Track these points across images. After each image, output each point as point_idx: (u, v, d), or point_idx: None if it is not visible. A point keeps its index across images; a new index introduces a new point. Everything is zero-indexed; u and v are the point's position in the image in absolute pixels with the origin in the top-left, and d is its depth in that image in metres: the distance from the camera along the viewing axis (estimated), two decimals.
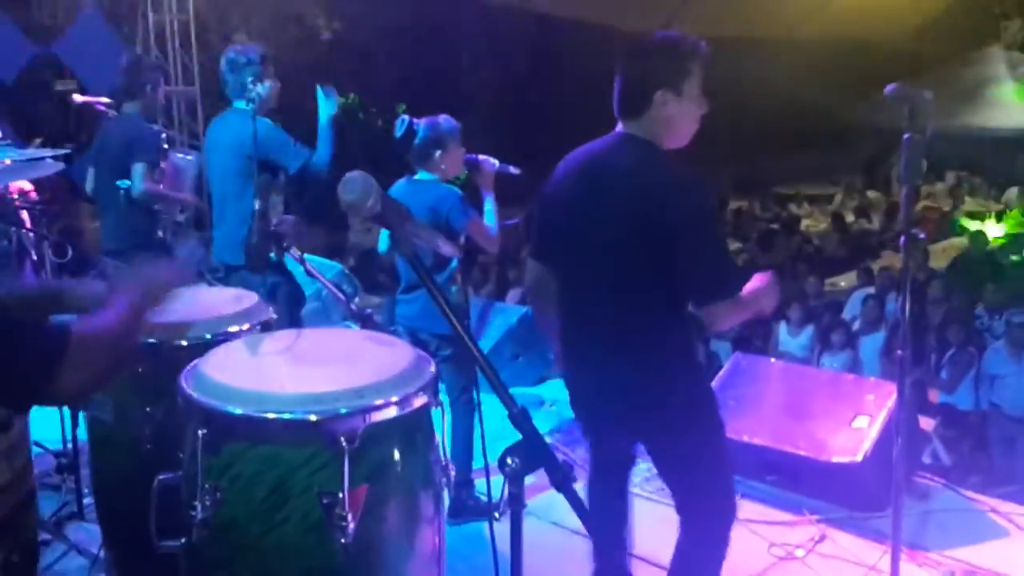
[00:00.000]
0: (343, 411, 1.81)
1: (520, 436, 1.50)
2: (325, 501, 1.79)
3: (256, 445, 1.83)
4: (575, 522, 1.57)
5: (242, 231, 3.91)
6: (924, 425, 5.82)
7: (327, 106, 3.95)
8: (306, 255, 2.72)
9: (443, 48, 14.19)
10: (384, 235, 3.84)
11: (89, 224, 5.41)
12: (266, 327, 2.42)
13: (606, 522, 2.71)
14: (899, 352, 2.72)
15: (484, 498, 3.60)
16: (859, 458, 3.60)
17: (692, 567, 2.59)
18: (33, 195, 3.80)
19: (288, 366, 2.01)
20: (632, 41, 2.48)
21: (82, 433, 3.16)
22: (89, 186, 4.75)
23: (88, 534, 3.20)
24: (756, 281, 2.46)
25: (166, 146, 4.64)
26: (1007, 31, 15.98)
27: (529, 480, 1.52)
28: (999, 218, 13.96)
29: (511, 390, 1.54)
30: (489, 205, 3.60)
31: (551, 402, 4.95)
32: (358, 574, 1.85)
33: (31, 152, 3.26)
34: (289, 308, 3.94)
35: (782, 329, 8.18)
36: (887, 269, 9.39)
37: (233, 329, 2.33)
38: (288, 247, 2.75)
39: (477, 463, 3.62)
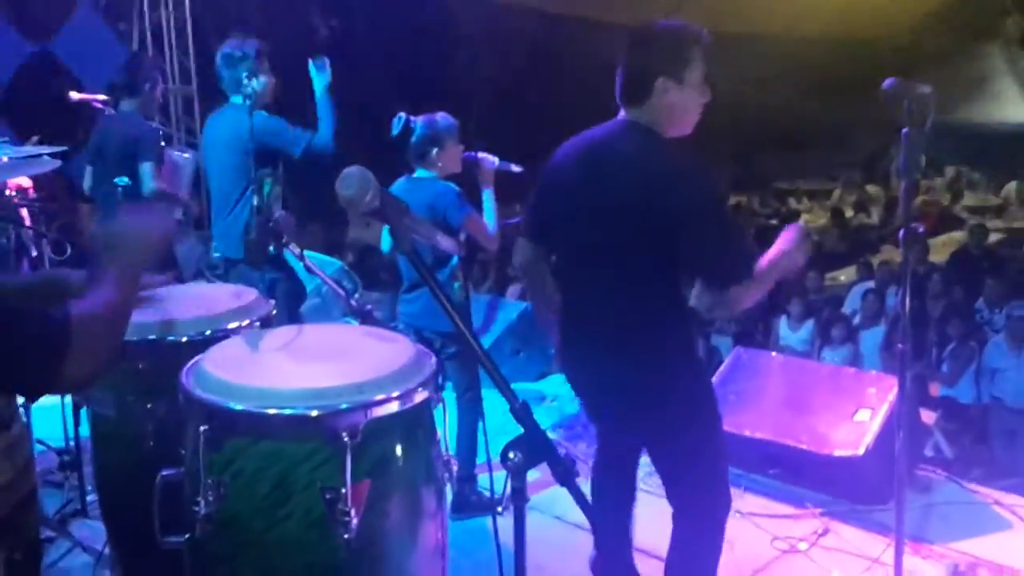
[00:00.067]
0: (344, 406, 1.80)
1: (522, 431, 1.50)
2: (328, 496, 1.79)
3: (258, 441, 1.82)
4: (578, 516, 1.57)
5: (241, 226, 3.91)
6: (926, 418, 5.83)
7: (320, 79, 3.94)
8: (305, 251, 2.71)
9: (442, 46, 14.18)
10: (386, 235, 3.84)
11: (88, 222, 5.40)
12: (266, 323, 2.42)
13: (608, 513, 2.71)
14: (900, 346, 2.72)
15: (487, 493, 3.60)
16: (861, 451, 3.60)
17: (689, 562, 2.58)
18: (31, 193, 3.79)
19: (289, 362, 2.00)
20: (634, 28, 2.48)
21: (84, 430, 3.15)
22: (86, 184, 4.74)
23: (92, 531, 3.20)
24: (780, 241, 2.42)
25: (163, 143, 4.64)
26: (1007, 26, 15.99)
27: (532, 475, 1.51)
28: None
29: (512, 386, 1.54)
30: (488, 203, 3.59)
31: (552, 397, 4.95)
32: (361, 569, 1.85)
33: (28, 149, 3.25)
34: (288, 304, 3.93)
35: (782, 323, 8.18)
36: (887, 263, 9.39)
37: (233, 325, 2.33)
38: (287, 243, 2.74)
39: (480, 458, 3.62)
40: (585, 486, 2.65)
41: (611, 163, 2.40)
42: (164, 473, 1.97)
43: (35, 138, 4.51)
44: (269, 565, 1.84)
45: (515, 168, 3.67)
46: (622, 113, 2.46)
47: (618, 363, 2.44)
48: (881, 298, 8.14)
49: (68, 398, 3.37)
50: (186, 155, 4.82)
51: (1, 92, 8.15)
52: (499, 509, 2.99)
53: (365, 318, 2.35)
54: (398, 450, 1.90)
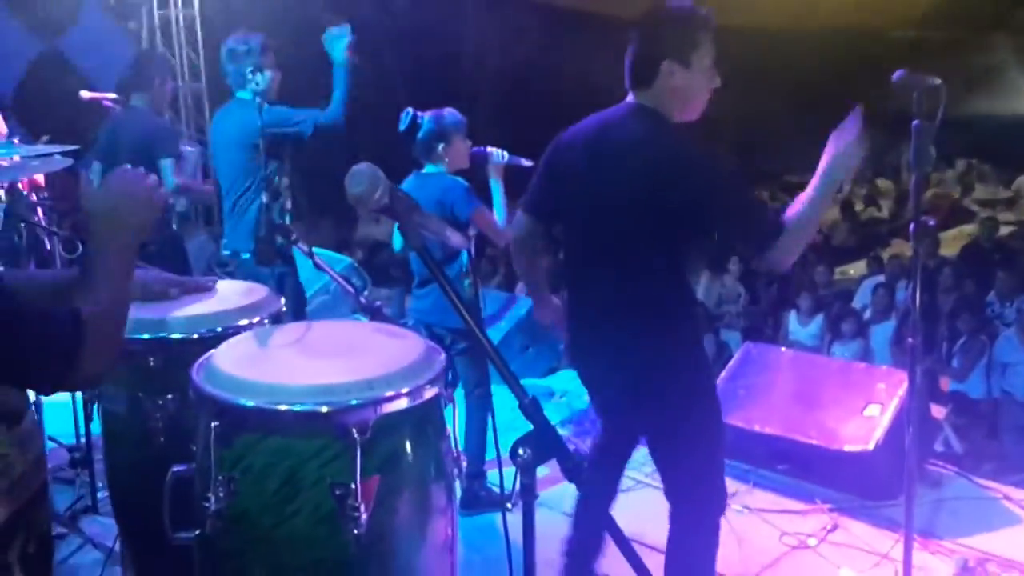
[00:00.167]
0: (354, 402, 1.81)
1: (532, 427, 1.50)
2: (337, 492, 1.79)
3: (267, 436, 1.83)
4: None
5: (250, 222, 3.93)
6: (936, 413, 5.79)
7: (339, 46, 3.89)
8: (315, 248, 2.72)
9: (451, 41, 14.16)
10: (397, 234, 3.85)
11: None
12: (276, 319, 2.43)
13: (592, 498, 2.70)
14: (910, 340, 2.71)
15: (496, 489, 3.61)
16: (871, 446, 3.59)
17: (687, 555, 2.58)
18: (44, 191, 3.81)
19: (299, 358, 2.01)
20: (644, 11, 2.47)
21: (95, 427, 3.17)
22: (96, 181, 4.76)
23: (103, 527, 3.22)
24: (830, 147, 2.31)
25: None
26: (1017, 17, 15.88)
27: (541, 471, 1.52)
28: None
29: (520, 382, 1.54)
30: (498, 198, 3.60)
31: (561, 393, 4.96)
32: (370, 565, 1.85)
33: (39, 148, 3.27)
34: (296, 298, 3.95)
35: (792, 318, 8.17)
36: (897, 257, 9.35)
37: (243, 322, 2.34)
38: (296, 239, 2.75)
39: (489, 455, 3.62)
40: None
41: (617, 147, 2.40)
42: (175, 469, 1.98)
43: (46, 137, 4.53)
44: (279, 561, 1.84)
45: (525, 163, 3.67)
46: (630, 96, 2.46)
47: (621, 348, 2.45)
48: (891, 292, 8.11)
49: (79, 395, 3.40)
50: (190, 148, 4.85)
51: (11, 91, 8.19)
52: (508, 505, 2.99)
53: (374, 315, 2.36)
54: (408, 446, 1.90)
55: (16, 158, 2.90)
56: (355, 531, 1.79)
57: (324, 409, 1.80)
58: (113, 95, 4.70)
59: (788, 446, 3.79)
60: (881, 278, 8.76)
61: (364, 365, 1.90)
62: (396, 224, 1.73)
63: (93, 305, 1.48)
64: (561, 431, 4.39)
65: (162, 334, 2.26)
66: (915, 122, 2.51)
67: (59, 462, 3.55)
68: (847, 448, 3.64)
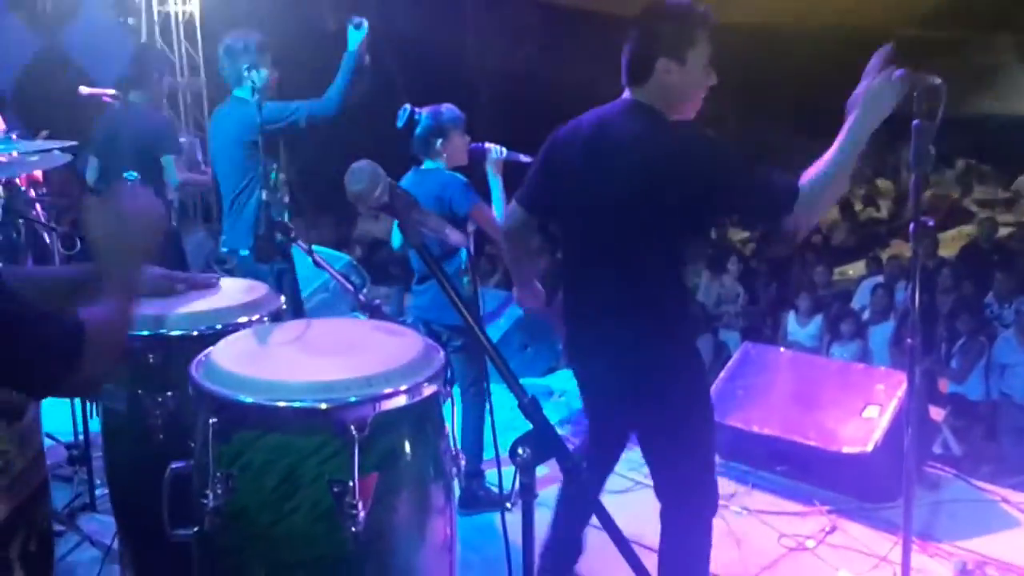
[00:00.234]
0: (353, 399, 1.81)
1: (531, 426, 1.50)
2: (335, 490, 1.79)
3: (266, 433, 1.83)
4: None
5: (247, 219, 3.93)
6: (934, 415, 5.79)
7: (355, 37, 3.88)
8: (314, 246, 2.72)
9: (451, 37, 14.16)
10: (396, 232, 3.85)
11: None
12: (276, 317, 2.42)
13: (579, 496, 2.68)
14: (909, 341, 2.70)
15: (495, 489, 3.60)
16: (869, 448, 3.59)
17: (681, 558, 2.58)
18: (43, 187, 3.80)
19: (298, 355, 2.01)
20: (641, 8, 2.47)
21: (93, 425, 3.17)
22: (91, 176, 4.75)
23: (101, 525, 3.22)
24: (857, 97, 2.25)
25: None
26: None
27: (541, 471, 1.51)
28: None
29: (520, 380, 1.54)
30: (497, 193, 3.60)
31: (560, 393, 4.95)
32: (369, 563, 1.85)
33: (38, 144, 3.26)
34: (295, 295, 3.95)
35: (791, 319, 8.17)
36: (896, 258, 9.35)
37: (243, 319, 2.33)
38: (296, 237, 2.75)
39: (487, 454, 3.62)
40: None
41: (614, 144, 2.40)
42: (174, 466, 1.98)
43: (45, 133, 4.53)
44: (277, 558, 1.84)
45: (524, 159, 3.67)
46: (626, 93, 2.46)
47: (619, 347, 2.46)
48: (890, 293, 8.11)
49: None
50: (183, 139, 4.86)
51: (11, 86, 8.18)
52: (508, 505, 2.99)
53: (373, 313, 2.35)
54: (406, 444, 1.90)
55: (14, 154, 2.90)
56: (353, 528, 1.78)
57: (323, 406, 1.80)
58: (112, 91, 4.70)
59: (787, 447, 3.78)
60: (880, 279, 8.76)
61: (363, 362, 1.90)
62: (395, 221, 1.72)
63: (97, 314, 1.48)
64: (560, 430, 4.39)
65: (162, 331, 2.25)
66: (915, 122, 2.51)
67: (57, 459, 3.55)
68: (846, 450, 3.64)
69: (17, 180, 3.53)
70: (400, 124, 3.58)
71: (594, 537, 2.98)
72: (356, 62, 3.87)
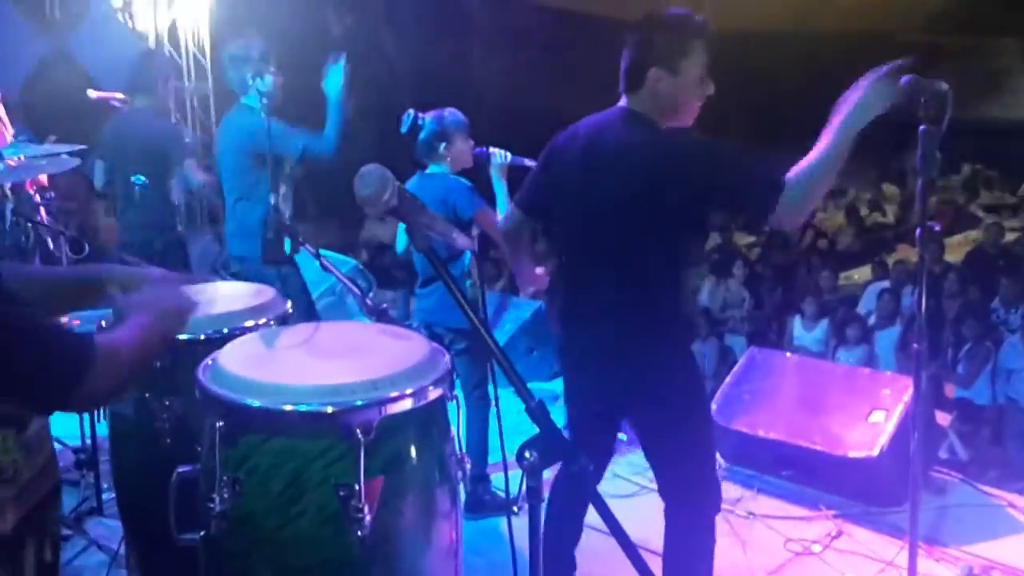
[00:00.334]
0: (359, 403, 1.81)
1: (537, 430, 1.50)
2: (341, 493, 1.79)
3: (272, 437, 1.83)
4: (594, 517, 1.57)
5: (250, 225, 3.94)
6: (940, 420, 5.79)
7: (335, 80, 3.89)
8: (320, 250, 2.72)
9: (456, 42, 14.19)
10: (401, 236, 3.85)
11: (103, 220, 5.43)
12: (283, 321, 2.43)
13: (565, 509, 2.68)
14: (915, 346, 2.70)
15: (501, 493, 3.60)
16: (876, 453, 3.58)
17: (685, 556, 2.60)
18: (49, 191, 3.82)
19: (304, 359, 2.01)
20: (640, 16, 2.50)
21: (101, 429, 3.17)
22: (98, 180, 4.77)
23: (108, 529, 3.22)
24: (850, 95, 2.25)
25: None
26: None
27: (547, 475, 1.51)
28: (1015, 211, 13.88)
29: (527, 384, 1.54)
30: (502, 198, 3.60)
31: None
32: (375, 567, 1.85)
33: (47, 148, 3.28)
34: (301, 297, 3.96)
35: (797, 323, 8.15)
36: (902, 263, 9.32)
37: (250, 323, 2.34)
38: (303, 241, 2.76)
39: (493, 457, 3.62)
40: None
41: (608, 151, 2.43)
42: (180, 470, 1.98)
43: (53, 137, 4.54)
44: (283, 562, 1.84)
45: (528, 163, 3.67)
46: (622, 100, 2.49)
47: (614, 346, 2.48)
48: (896, 298, 8.09)
49: None
50: (187, 140, 4.89)
51: (19, 90, 8.21)
52: (514, 509, 2.99)
53: (380, 316, 2.36)
54: (412, 447, 1.91)
55: (23, 157, 2.92)
56: (359, 532, 1.79)
57: (329, 409, 1.80)
58: (121, 95, 4.71)
59: (792, 452, 3.78)
60: (886, 283, 8.73)
61: (369, 366, 1.91)
62: (400, 225, 1.73)
63: (112, 338, 1.48)
64: (567, 434, 4.38)
65: None
66: (921, 127, 2.51)
67: (64, 464, 3.54)
68: (852, 454, 3.63)
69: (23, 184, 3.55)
70: (404, 129, 3.60)
71: (595, 539, 2.98)
72: (340, 107, 3.88)
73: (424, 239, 1.69)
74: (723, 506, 2.67)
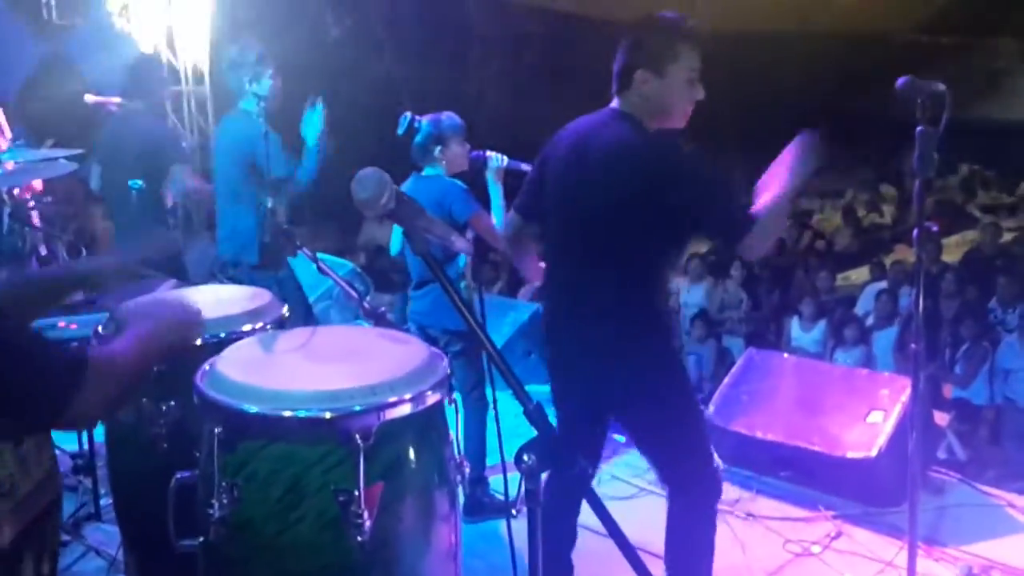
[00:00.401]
0: (357, 408, 1.81)
1: (536, 433, 1.50)
2: (341, 499, 1.79)
3: (271, 443, 1.83)
4: (593, 519, 1.57)
5: (243, 229, 3.94)
6: (938, 420, 5.79)
7: (313, 126, 3.89)
8: (318, 253, 2.73)
9: (454, 45, 14.19)
10: (396, 238, 3.85)
11: (100, 224, 5.43)
12: (280, 325, 2.43)
13: (558, 512, 2.69)
14: (913, 346, 2.71)
15: (499, 496, 3.60)
16: (874, 453, 3.59)
17: (684, 550, 2.61)
18: (44, 196, 3.82)
19: (302, 363, 2.01)
20: (634, 19, 2.52)
21: (98, 434, 3.16)
22: (94, 184, 4.77)
23: (106, 535, 3.21)
24: (778, 164, 2.39)
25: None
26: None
27: (546, 477, 1.51)
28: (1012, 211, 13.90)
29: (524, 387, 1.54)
30: (497, 201, 3.60)
31: None
32: (375, 572, 1.85)
33: (44, 153, 3.28)
34: (298, 300, 3.96)
35: (795, 324, 8.15)
36: (900, 263, 9.32)
37: (247, 327, 2.34)
38: (301, 245, 2.76)
39: (491, 460, 3.62)
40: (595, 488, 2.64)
41: (592, 150, 2.45)
42: (179, 476, 1.98)
43: (50, 141, 4.54)
44: (283, 568, 1.84)
45: (524, 167, 3.67)
46: (614, 102, 2.52)
47: (596, 344, 2.50)
48: (894, 298, 8.09)
49: None
50: (184, 144, 4.88)
51: (16, 94, 8.20)
52: (513, 512, 2.99)
53: (378, 320, 2.36)
54: (411, 452, 1.91)
55: (20, 161, 2.92)
56: (359, 538, 1.79)
57: (328, 415, 1.80)
58: (118, 99, 4.71)
59: (791, 453, 3.78)
60: (884, 284, 8.73)
61: (368, 371, 1.91)
62: (395, 227, 1.73)
63: (104, 353, 1.47)
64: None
65: None
66: (919, 128, 2.52)
67: (62, 469, 3.53)
68: (850, 455, 3.63)
69: (16, 189, 3.54)
70: (401, 131, 3.61)
71: (593, 541, 2.98)
72: (317, 152, 3.89)
73: (422, 242, 1.69)
74: (722, 507, 2.68)
